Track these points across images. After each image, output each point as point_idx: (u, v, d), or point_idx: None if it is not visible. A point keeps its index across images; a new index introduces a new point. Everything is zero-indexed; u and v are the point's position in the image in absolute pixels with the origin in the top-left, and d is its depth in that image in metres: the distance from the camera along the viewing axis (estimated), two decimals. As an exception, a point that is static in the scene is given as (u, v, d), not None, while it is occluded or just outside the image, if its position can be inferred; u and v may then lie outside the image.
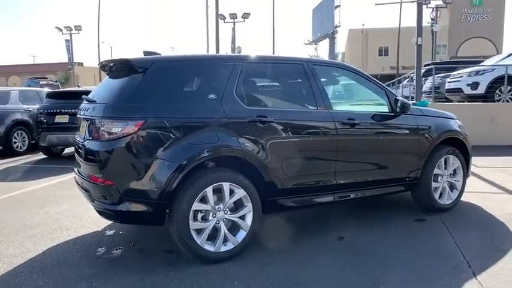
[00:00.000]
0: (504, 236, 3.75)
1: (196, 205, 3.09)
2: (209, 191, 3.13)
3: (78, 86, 12.24)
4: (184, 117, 3.09)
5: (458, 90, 10.56)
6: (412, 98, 13.30)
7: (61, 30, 31.31)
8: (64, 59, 38.99)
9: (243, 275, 3.03)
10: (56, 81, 25.72)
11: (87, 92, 4.09)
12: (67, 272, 3.12)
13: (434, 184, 4.41)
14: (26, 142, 9.62)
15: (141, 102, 3.05)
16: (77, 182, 3.54)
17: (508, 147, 8.97)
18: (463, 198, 4.96)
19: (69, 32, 31.39)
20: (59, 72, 45.62)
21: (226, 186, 3.20)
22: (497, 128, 9.36)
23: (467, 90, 10.23)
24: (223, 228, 3.22)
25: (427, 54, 30.43)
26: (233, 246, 3.27)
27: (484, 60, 13.00)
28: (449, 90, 11.11)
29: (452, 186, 4.62)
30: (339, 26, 47.66)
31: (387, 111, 4.10)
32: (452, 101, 11.67)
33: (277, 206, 3.52)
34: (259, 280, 2.95)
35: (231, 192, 3.25)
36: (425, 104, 9.56)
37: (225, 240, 3.25)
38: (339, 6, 42.40)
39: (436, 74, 12.92)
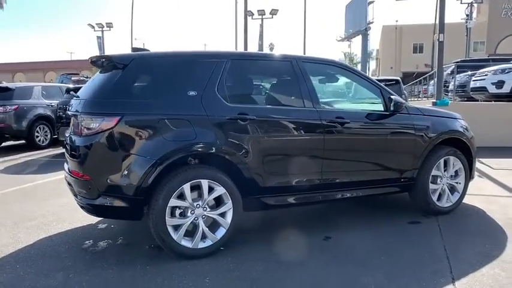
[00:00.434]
0: (498, 241, 3.59)
1: (174, 201, 3.13)
2: (187, 187, 3.15)
3: None
4: (162, 113, 3.13)
5: (483, 89, 10.12)
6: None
7: (93, 27, 32.31)
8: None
9: (217, 271, 3.04)
10: (87, 77, 26.57)
11: None
12: (49, 263, 3.24)
13: (432, 186, 4.27)
14: (48, 136, 10.02)
15: (119, 98, 3.12)
16: (65, 177, 3.66)
17: (533, 149, 8.54)
18: (467, 201, 4.79)
19: (100, 29, 32.34)
20: (94, 68, 47.05)
21: (204, 183, 3.22)
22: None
23: (492, 89, 9.78)
24: (202, 225, 3.25)
25: (463, 52, 29.35)
26: (212, 243, 3.29)
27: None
28: (474, 89, 10.66)
29: (453, 189, 4.45)
30: (372, 23, 46.72)
31: (382, 109, 4.00)
32: (478, 100, 11.20)
33: (260, 204, 3.51)
34: (232, 277, 2.96)
35: (211, 189, 3.26)
36: (445, 103, 9.24)
37: (204, 237, 3.27)
38: (372, 2, 41.50)
39: (462, 72, 12.47)
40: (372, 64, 70.42)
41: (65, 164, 3.69)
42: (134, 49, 3.68)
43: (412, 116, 4.10)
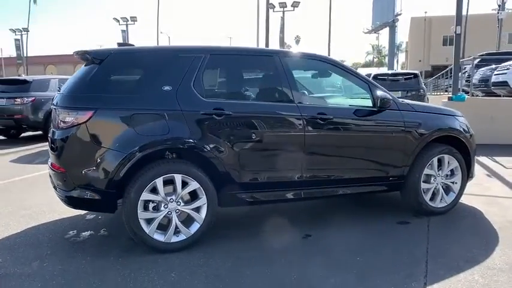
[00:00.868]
0: (487, 246, 3.42)
1: (146, 195, 3.15)
2: (159, 182, 3.17)
3: None
4: (135, 108, 3.14)
5: (504, 84, 9.65)
6: (463, 90, 12.43)
7: (118, 21, 32.94)
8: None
9: (186, 266, 3.05)
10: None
11: None
12: (29, 251, 3.33)
13: (424, 185, 4.11)
14: (65, 127, 10.26)
15: (94, 92, 3.15)
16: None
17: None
18: (467, 201, 4.61)
19: (125, 23, 32.92)
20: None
21: (178, 178, 3.22)
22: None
23: (514, 84, 9.33)
24: (175, 219, 3.26)
25: (493, 44, 28.14)
26: (185, 237, 3.30)
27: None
28: (495, 84, 10.20)
29: (448, 189, 4.28)
30: (399, 14, 45.63)
31: (370, 106, 3.88)
32: (500, 96, 10.72)
33: (236, 200, 3.49)
34: (198, 272, 2.96)
35: (184, 184, 3.26)
36: (461, 98, 8.91)
37: (177, 231, 3.28)
38: (401, -8, 40.23)
39: (486, 65, 11.94)
40: (401, 57, 68.94)
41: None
42: (119, 44, 3.71)
43: (403, 113, 3.95)
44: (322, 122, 3.61)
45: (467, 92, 11.78)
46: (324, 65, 4.02)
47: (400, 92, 11.96)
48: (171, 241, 3.26)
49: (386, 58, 48.07)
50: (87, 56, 3.29)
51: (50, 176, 3.45)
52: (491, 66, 11.60)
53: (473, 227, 3.94)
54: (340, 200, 4.72)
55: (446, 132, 4.15)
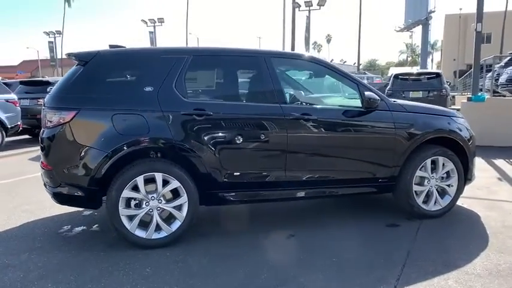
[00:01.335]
0: (473, 250, 3.32)
1: (127, 193, 3.26)
2: (140, 180, 3.27)
3: None
4: (117, 108, 3.26)
5: (529, 83, 9.24)
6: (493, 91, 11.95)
7: (146, 22, 33.75)
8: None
9: (163, 262, 3.14)
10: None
11: None
12: (21, 244, 3.53)
13: (417, 187, 4.03)
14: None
15: (78, 93, 3.30)
16: None
17: None
18: (468, 205, 4.50)
19: (153, 25, 33.67)
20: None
21: (158, 176, 3.32)
22: None
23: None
24: (156, 217, 3.35)
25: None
26: (166, 234, 3.39)
27: None
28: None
29: (443, 192, 4.17)
30: (433, 12, 44.34)
31: (358, 106, 3.84)
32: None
33: (218, 199, 3.55)
34: (173, 268, 3.04)
35: (166, 182, 3.35)
36: (481, 98, 8.60)
37: (159, 228, 3.37)
38: (434, -11, 39.14)
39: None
40: (437, 56, 66.88)
41: None
42: (111, 46, 3.84)
43: (393, 113, 3.89)
44: (306, 123, 3.62)
45: (495, 92, 11.32)
46: (311, 66, 4.02)
47: (421, 92, 11.69)
48: (152, 237, 3.35)
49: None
50: (74, 58, 3.44)
51: (41, 174, 3.62)
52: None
53: (465, 231, 3.82)
54: (332, 201, 4.70)
55: (439, 134, 4.05)
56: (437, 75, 11.95)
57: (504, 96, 11.69)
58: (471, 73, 17.28)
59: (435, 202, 4.12)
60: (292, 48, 27.66)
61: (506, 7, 34.45)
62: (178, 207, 3.41)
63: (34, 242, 3.57)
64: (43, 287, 2.78)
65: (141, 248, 3.35)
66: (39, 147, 3.52)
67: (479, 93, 8.93)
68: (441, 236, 3.68)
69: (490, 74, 11.26)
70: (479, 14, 8.65)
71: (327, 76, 4.44)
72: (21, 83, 11.05)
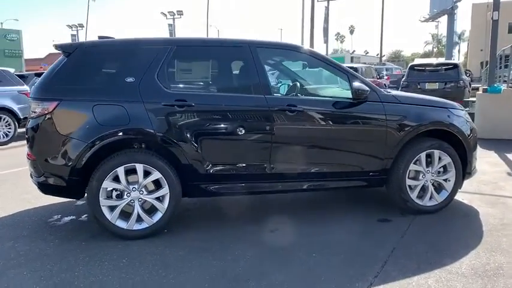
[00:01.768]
0: (462, 248, 3.18)
1: (107, 183, 3.26)
2: (120, 170, 3.27)
3: None
4: (97, 99, 3.26)
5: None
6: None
7: (165, 15, 33.95)
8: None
9: (140, 253, 3.14)
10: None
11: None
12: (10, 231, 3.61)
13: (410, 182, 3.89)
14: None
15: (60, 84, 3.31)
16: None
17: None
18: (468, 200, 4.34)
19: (172, 17, 33.83)
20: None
21: (139, 167, 3.30)
22: None
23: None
24: (137, 208, 3.35)
25: None
26: (147, 225, 3.38)
27: None
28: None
29: (440, 186, 4.02)
30: (459, 1, 42.83)
31: (347, 97, 3.72)
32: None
33: (200, 191, 3.51)
34: (148, 260, 3.03)
35: (147, 173, 3.34)
36: (497, 90, 8.25)
37: (140, 219, 3.37)
38: (461, -23, 37.81)
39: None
40: (464, 46, 64.76)
41: None
42: (100, 37, 3.84)
43: (385, 105, 3.75)
44: (291, 114, 3.53)
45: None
46: (299, 56, 3.91)
47: (437, 83, 11.33)
48: (133, 228, 3.35)
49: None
50: (59, 50, 3.45)
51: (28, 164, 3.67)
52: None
53: (459, 228, 3.67)
54: (327, 195, 4.60)
55: (435, 126, 3.89)
56: (455, 66, 11.55)
57: None
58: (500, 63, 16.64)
59: (430, 197, 3.97)
60: (311, 39, 27.37)
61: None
62: (160, 199, 3.39)
63: (22, 231, 3.63)
64: (18, 275, 2.81)
65: (122, 238, 3.36)
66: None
67: (496, 84, 8.56)
68: (432, 233, 3.54)
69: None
70: (496, 2, 8.26)
71: (302, 65, 4.34)
72: (36, 75, 11.27)
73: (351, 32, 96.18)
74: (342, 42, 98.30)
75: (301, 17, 28.10)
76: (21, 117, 8.71)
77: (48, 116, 3.24)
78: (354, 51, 59.86)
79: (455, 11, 42.50)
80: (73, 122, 3.26)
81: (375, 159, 3.77)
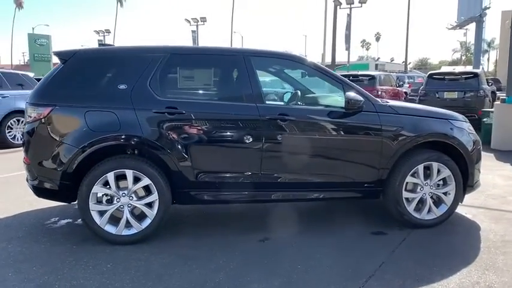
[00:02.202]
0: (454, 266, 3.06)
1: (97, 188, 3.31)
2: (110, 176, 3.31)
3: None
4: (90, 105, 3.32)
5: None
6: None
7: (189, 21, 34.46)
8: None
9: (126, 259, 3.16)
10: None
11: None
12: (5, 233, 3.71)
13: (408, 194, 3.79)
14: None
15: (56, 90, 3.39)
16: None
17: None
18: (472, 215, 4.20)
19: (196, 24, 34.31)
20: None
21: (129, 173, 3.34)
22: None
23: None
24: (126, 213, 3.38)
25: None
26: (136, 231, 3.40)
27: None
28: None
29: (439, 200, 3.89)
30: (488, 8, 41.78)
31: (342, 107, 3.66)
32: None
33: (190, 198, 3.52)
34: (131, 266, 3.05)
35: (136, 179, 3.37)
36: (515, 100, 7.97)
37: (129, 225, 3.40)
38: (489, -16, 36.96)
39: None
40: (493, 54, 63.00)
41: None
42: (100, 44, 3.92)
43: (380, 115, 3.67)
44: (282, 123, 3.50)
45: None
46: (294, 65, 3.88)
47: (456, 92, 11.02)
48: (122, 234, 3.39)
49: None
50: (57, 56, 3.54)
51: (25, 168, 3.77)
52: None
53: (456, 244, 3.54)
54: (325, 205, 4.53)
55: (432, 138, 3.78)
56: (475, 75, 11.20)
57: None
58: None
59: (429, 211, 3.85)
60: (333, 46, 27.17)
61: None
62: (149, 205, 3.41)
63: (18, 232, 3.72)
64: (3, 275, 2.88)
65: (111, 243, 3.39)
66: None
67: (516, 95, 8.25)
68: (426, 248, 3.43)
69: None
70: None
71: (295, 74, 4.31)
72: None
73: (377, 39, 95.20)
74: (367, 49, 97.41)
75: (324, 24, 28.05)
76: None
77: (42, 121, 3.32)
78: (379, 58, 59.16)
79: (484, 19, 41.44)
80: (66, 127, 3.33)
81: (370, 171, 3.69)
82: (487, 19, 44.82)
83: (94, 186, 3.29)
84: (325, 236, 3.68)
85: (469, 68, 31.10)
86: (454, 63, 72.49)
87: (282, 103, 3.97)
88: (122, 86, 3.38)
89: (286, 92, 4.36)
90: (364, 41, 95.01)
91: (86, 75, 3.47)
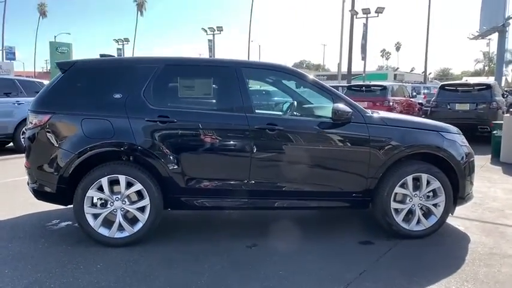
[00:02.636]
0: (434, 278, 3.08)
1: (92, 192, 3.48)
2: (104, 181, 3.47)
3: None
4: (86, 113, 3.51)
5: None
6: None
7: (205, 31, 35.04)
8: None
9: (116, 261, 3.30)
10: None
11: None
12: (9, 233, 3.92)
13: (396, 205, 3.83)
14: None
15: (55, 98, 3.59)
16: None
17: None
18: (464, 227, 4.21)
19: (212, 33, 34.84)
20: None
21: (122, 178, 3.50)
22: None
23: None
24: (119, 217, 3.53)
25: None
26: (128, 234, 3.55)
27: None
28: None
29: (429, 211, 3.92)
30: (511, 18, 40.76)
31: (330, 117, 3.74)
32: None
33: (181, 203, 3.65)
34: (120, 267, 3.19)
35: (129, 184, 3.53)
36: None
37: (122, 228, 3.55)
38: (514, -7, 36.28)
39: None
40: (519, 65, 61.50)
41: None
42: (101, 55, 4.13)
43: (369, 126, 3.74)
44: (271, 133, 3.61)
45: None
46: (285, 76, 3.99)
47: (468, 104, 10.91)
48: (115, 236, 3.54)
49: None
50: (57, 66, 3.76)
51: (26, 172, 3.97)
52: None
53: (441, 255, 3.54)
54: (317, 213, 4.60)
55: (421, 149, 3.82)
56: (488, 86, 11.06)
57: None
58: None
59: (418, 222, 3.88)
60: (349, 55, 27.15)
61: None
62: (141, 209, 3.56)
63: (19, 232, 3.92)
64: (1, 272, 3.07)
65: (104, 245, 3.55)
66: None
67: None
68: (410, 258, 3.46)
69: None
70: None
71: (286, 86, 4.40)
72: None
73: (397, 48, 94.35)
74: (387, 59, 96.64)
75: (340, 34, 28.09)
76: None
77: (41, 128, 3.52)
78: (398, 68, 58.62)
79: (507, 28, 40.39)
80: (63, 133, 3.52)
81: (357, 181, 3.75)
82: (510, 29, 43.96)
83: (89, 190, 3.46)
84: (313, 243, 3.75)
85: (491, 79, 30.52)
86: (476, 73, 71.15)
87: (273, 113, 4.07)
88: (117, 95, 3.55)
89: (277, 102, 4.47)
90: (384, 50, 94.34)
91: (83, 85, 3.67)
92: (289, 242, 3.77)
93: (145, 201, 3.53)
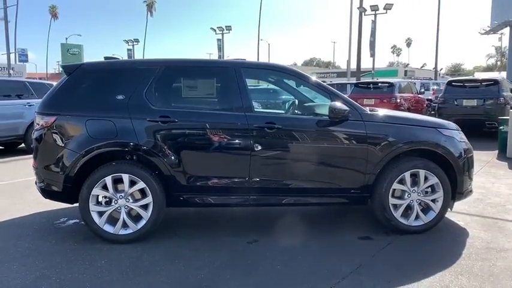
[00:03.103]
0: (430, 271, 3.14)
1: (96, 191, 3.60)
2: (108, 179, 3.59)
3: None
4: (90, 115, 3.63)
5: None
6: None
7: (214, 30, 35.21)
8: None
9: (120, 256, 3.42)
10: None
11: None
12: (17, 230, 4.06)
13: (394, 200, 3.89)
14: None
15: (60, 100, 3.72)
16: None
17: None
18: (465, 223, 4.24)
19: (221, 32, 34.99)
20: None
21: (125, 177, 3.62)
22: None
23: None
24: (123, 214, 3.65)
25: None
26: (132, 231, 3.67)
27: None
28: None
29: (427, 207, 3.97)
30: (523, 11, 40.20)
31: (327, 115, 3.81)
32: None
33: (183, 201, 3.75)
34: (123, 263, 3.30)
35: (132, 183, 3.64)
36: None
37: (126, 225, 3.67)
38: (526, -13, 35.76)
39: None
40: (531, 60, 60.45)
41: None
42: (106, 58, 4.25)
43: (366, 123, 3.80)
44: (270, 131, 3.69)
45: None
46: (284, 75, 4.07)
47: (475, 100, 10.86)
48: (119, 233, 3.66)
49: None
50: (63, 69, 3.89)
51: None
52: None
53: (439, 250, 3.60)
54: (316, 209, 4.67)
55: (419, 146, 3.87)
56: (495, 82, 10.98)
57: None
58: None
59: (416, 217, 3.93)
60: (358, 52, 27.03)
61: None
62: (144, 207, 3.67)
63: (28, 230, 4.06)
64: (9, 268, 3.20)
65: (109, 242, 3.67)
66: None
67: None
68: (408, 253, 3.52)
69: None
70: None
71: (285, 85, 4.47)
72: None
73: (408, 44, 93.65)
74: (398, 55, 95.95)
75: (349, 31, 27.97)
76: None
77: (48, 129, 3.65)
78: (408, 64, 58.14)
79: (519, 23, 39.98)
80: (68, 134, 3.64)
81: (355, 177, 3.82)
82: (522, 23, 43.35)
83: (94, 189, 3.59)
84: (312, 239, 3.83)
85: (503, 75, 30.03)
86: (488, 68, 70.27)
87: (272, 111, 4.16)
88: (120, 97, 3.67)
89: (281, 101, 4.55)
90: (394, 46, 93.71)
91: (87, 87, 3.79)
92: (290, 237, 3.85)
93: (148, 199, 3.65)
